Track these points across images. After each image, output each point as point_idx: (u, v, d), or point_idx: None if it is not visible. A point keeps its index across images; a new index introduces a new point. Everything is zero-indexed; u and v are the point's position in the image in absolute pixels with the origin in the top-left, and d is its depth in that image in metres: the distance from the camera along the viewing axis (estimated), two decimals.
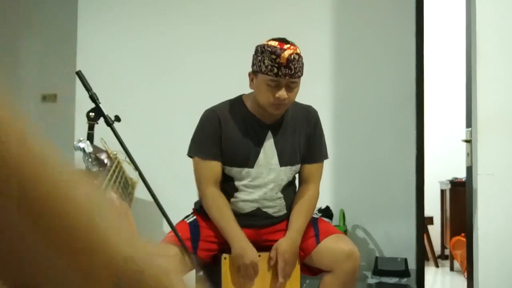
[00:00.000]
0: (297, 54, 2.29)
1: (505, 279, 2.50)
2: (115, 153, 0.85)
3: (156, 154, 4.21)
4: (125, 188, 0.69)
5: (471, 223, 2.91)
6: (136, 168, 1.89)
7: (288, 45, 2.29)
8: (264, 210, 2.46)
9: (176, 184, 4.14)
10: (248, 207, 2.45)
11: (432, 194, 6.12)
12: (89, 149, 0.96)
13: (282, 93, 2.30)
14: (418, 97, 4.13)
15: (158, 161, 4.16)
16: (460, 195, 5.17)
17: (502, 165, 2.58)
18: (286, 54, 2.25)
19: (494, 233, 2.53)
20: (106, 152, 0.85)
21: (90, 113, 2.12)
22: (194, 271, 2.16)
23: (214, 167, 2.41)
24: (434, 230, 6.10)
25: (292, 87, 2.33)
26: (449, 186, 5.77)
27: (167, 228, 2.35)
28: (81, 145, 1.00)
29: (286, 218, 2.49)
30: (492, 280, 2.53)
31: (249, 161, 2.41)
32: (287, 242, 2.38)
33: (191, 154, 2.48)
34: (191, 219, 2.47)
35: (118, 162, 0.78)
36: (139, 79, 4.34)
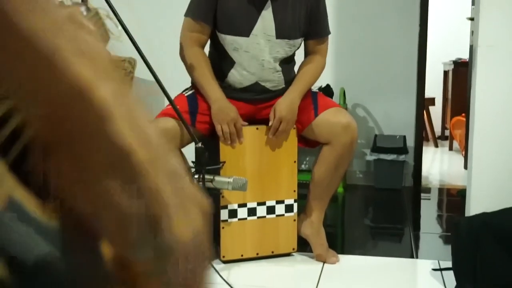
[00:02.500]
0: None
1: (499, 153, 2.54)
2: (95, 7, 0.83)
3: (155, 33, 4.16)
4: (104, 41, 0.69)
5: (469, 100, 2.91)
6: (128, 34, 1.88)
7: None
8: (263, 84, 2.45)
9: (173, 63, 4.13)
10: (246, 81, 2.44)
11: (435, 76, 6.10)
12: (67, 1, 0.94)
13: None
14: None
15: (157, 39, 4.12)
16: (463, 75, 5.15)
17: (503, 38, 2.55)
18: None
19: (490, 105, 2.54)
20: (86, 5, 0.83)
21: None
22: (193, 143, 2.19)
23: (203, 30, 2.39)
24: (436, 111, 6.13)
25: None
26: (452, 67, 5.73)
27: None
28: None
29: (284, 92, 2.48)
30: (485, 153, 2.57)
31: (245, 29, 2.36)
32: (285, 101, 2.40)
33: (185, 14, 2.44)
34: (189, 92, 2.47)
35: (97, 13, 0.77)
36: None
